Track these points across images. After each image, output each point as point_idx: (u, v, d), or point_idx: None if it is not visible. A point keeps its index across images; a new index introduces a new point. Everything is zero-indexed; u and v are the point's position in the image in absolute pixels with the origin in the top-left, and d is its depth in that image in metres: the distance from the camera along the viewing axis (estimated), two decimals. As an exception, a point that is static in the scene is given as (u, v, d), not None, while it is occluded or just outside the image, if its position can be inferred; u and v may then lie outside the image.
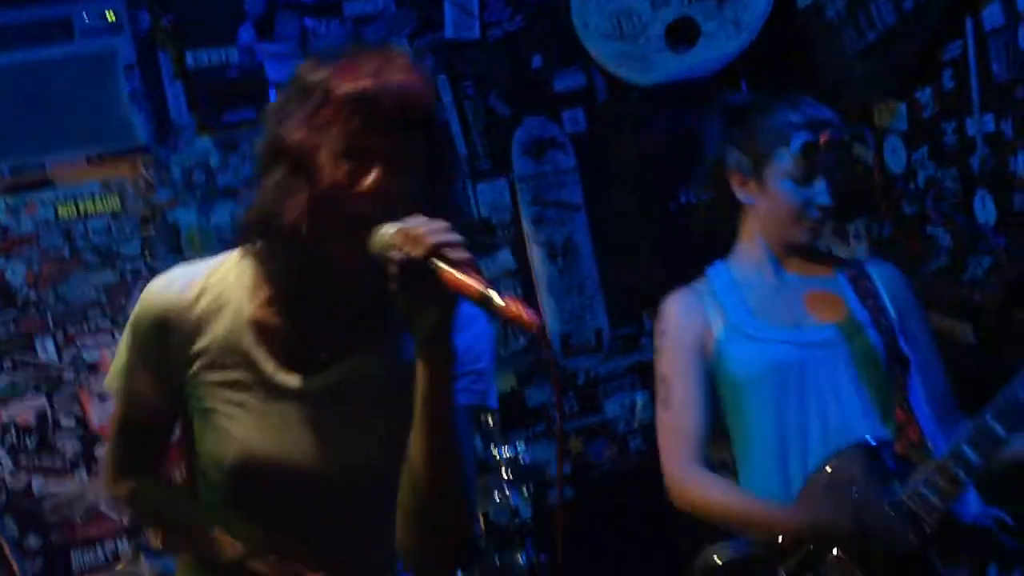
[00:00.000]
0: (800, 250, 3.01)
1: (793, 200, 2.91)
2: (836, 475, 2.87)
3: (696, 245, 3.65)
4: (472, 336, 2.01)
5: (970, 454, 2.71)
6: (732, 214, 3.04)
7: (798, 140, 2.83)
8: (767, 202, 2.96)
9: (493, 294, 1.72)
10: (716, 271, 3.15)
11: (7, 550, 2.06)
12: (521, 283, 5.62)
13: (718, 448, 3.06)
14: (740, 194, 3.00)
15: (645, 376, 5.67)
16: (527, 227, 5.62)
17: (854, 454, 2.87)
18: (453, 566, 1.98)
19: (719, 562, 2.95)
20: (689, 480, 2.98)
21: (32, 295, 5.16)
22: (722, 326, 3.03)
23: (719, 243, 3.25)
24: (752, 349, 2.99)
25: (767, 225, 2.99)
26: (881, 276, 3.08)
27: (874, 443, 2.87)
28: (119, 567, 4.19)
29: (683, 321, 3.05)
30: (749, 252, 3.06)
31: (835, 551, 2.81)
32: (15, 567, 2.03)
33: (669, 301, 3.11)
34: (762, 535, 2.89)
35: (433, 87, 2.05)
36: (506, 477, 4.10)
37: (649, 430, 5.58)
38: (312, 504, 2.07)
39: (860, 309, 3.00)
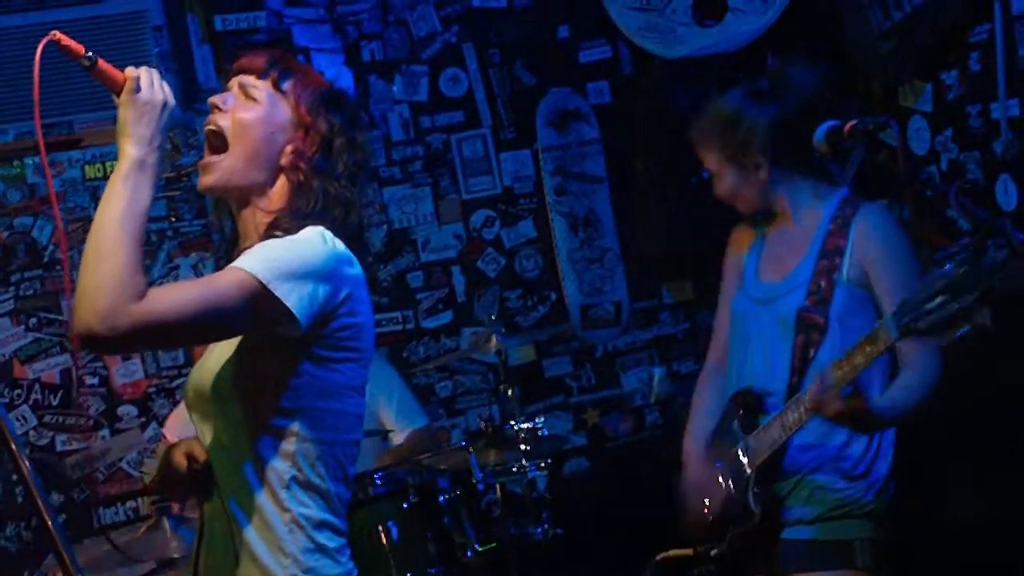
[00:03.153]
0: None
1: None
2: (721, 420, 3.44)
3: (717, 220, 3.70)
4: (293, 240, 2.29)
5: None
6: None
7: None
8: None
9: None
10: None
11: (40, 503, 2.12)
12: (542, 253, 5.65)
13: None
14: None
15: (663, 350, 5.71)
16: (549, 198, 5.64)
17: (735, 401, 3.37)
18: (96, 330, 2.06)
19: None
20: (699, 379, 3.71)
21: (58, 254, 5.21)
22: (743, 264, 3.50)
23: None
24: (738, 293, 3.49)
25: None
26: (858, 231, 3.23)
27: (752, 392, 3.32)
28: (141, 531, 4.23)
29: (732, 249, 3.59)
30: None
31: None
32: (48, 519, 2.09)
33: (735, 230, 3.60)
34: None
35: None
36: (524, 449, 4.14)
37: (666, 404, 5.65)
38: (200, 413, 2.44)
39: (809, 268, 3.25)
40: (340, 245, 2.33)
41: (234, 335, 2.28)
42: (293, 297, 2.19)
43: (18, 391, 5.19)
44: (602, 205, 5.68)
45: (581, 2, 5.54)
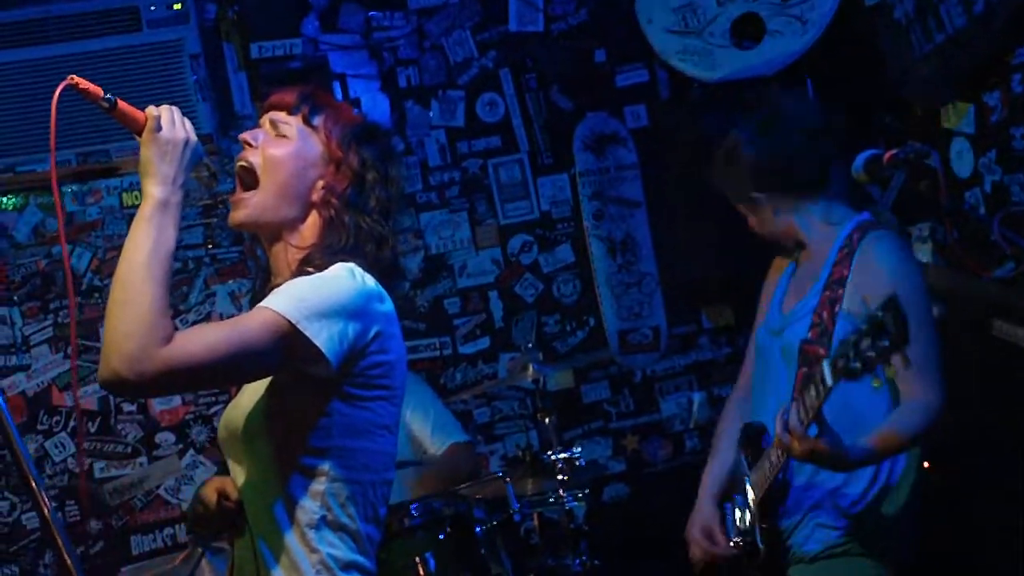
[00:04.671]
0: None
1: None
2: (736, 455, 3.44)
3: (756, 245, 3.66)
4: (321, 278, 2.26)
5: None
6: None
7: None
8: None
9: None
10: None
11: (60, 542, 2.09)
12: (580, 277, 5.62)
13: None
14: None
15: (702, 375, 5.66)
16: (587, 222, 5.61)
17: (742, 436, 3.37)
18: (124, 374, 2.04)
19: None
20: (723, 412, 3.70)
21: (96, 281, 5.22)
22: (774, 294, 3.48)
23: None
24: (762, 324, 3.48)
25: None
26: (860, 263, 3.17)
27: (755, 427, 3.32)
28: (177, 561, 4.22)
29: (767, 279, 3.57)
30: None
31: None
32: (68, 561, 2.07)
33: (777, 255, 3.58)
34: None
35: None
36: (561, 479, 4.10)
37: (705, 429, 5.59)
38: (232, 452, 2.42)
39: (816, 298, 3.21)
40: (370, 281, 2.30)
41: (264, 376, 2.25)
42: (323, 336, 2.16)
43: (57, 418, 5.20)
44: (640, 229, 5.64)
45: (618, 26, 5.51)
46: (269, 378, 2.28)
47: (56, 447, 5.18)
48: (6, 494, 5.08)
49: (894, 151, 2.66)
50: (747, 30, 5.26)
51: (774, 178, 3.21)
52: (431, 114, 5.54)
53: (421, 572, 3.88)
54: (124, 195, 5.25)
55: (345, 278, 2.27)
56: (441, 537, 3.93)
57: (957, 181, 4.40)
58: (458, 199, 5.55)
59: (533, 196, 5.61)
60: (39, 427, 5.18)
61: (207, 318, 5.21)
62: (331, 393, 2.25)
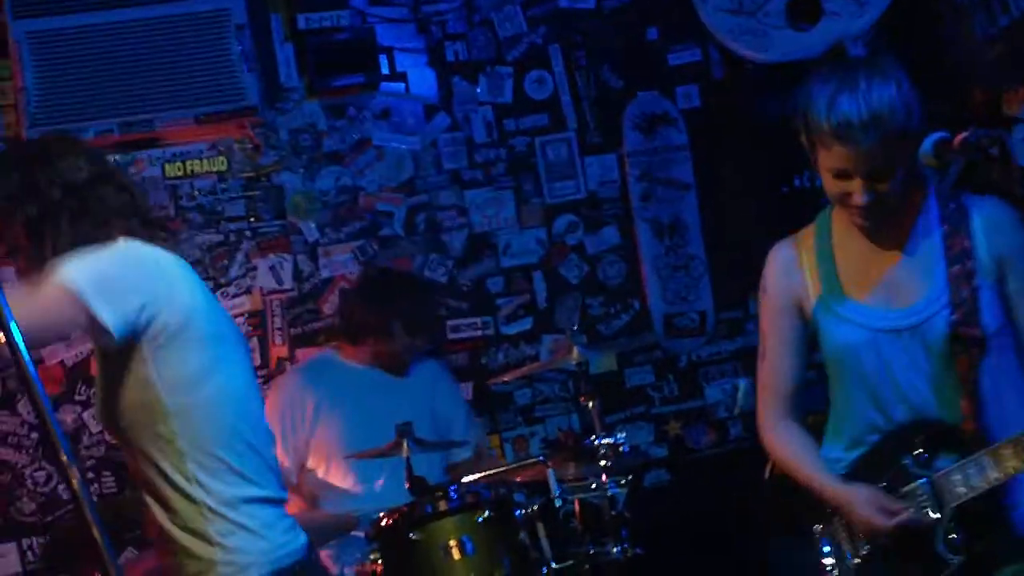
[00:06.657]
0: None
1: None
2: (884, 451, 2.99)
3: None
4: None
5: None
6: None
7: None
8: None
9: None
10: (822, 221, 3.09)
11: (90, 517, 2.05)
12: (626, 260, 5.54)
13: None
14: None
15: (748, 361, 5.54)
16: (635, 203, 5.52)
17: (906, 433, 2.95)
18: None
19: None
20: (771, 435, 3.15)
21: (137, 252, 5.19)
22: (816, 295, 3.05)
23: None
24: (836, 327, 3.02)
25: None
26: (984, 226, 2.93)
27: (931, 422, 2.93)
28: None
29: (780, 283, 3.10)
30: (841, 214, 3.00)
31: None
32: (100, 543, 2.03)
33: (771, 256, 3.15)
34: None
35: None
36: (603, 465, 4.03)
37: (750, 417, 5.50)
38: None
39: (943, 284, 2.91)
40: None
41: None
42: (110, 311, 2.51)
43: (95, 388, 5.16)
44: (689, 212, 5.55)
45: (671, 4, 5.43)
46: (105, 370, 2.65)
47: (94, 418, 5.15)
48: (43, 464, 5.06)
49: (964, 134, 2.55)
50: (803, 11, 5.17)
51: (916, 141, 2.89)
52: (478, 90, 5.47)
53: (457, 555, 3.83)
54: (166, 166, 5.19)
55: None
56: (479, 520, 3.88)
57: (1018, 169, 4.30)
58: (504, 177, 5.48)
59: (580, 175, 5.53)
60: (77, 397, 5.15)
61: (248, 292, 5.18)
62: (140, 366, 2.56)
